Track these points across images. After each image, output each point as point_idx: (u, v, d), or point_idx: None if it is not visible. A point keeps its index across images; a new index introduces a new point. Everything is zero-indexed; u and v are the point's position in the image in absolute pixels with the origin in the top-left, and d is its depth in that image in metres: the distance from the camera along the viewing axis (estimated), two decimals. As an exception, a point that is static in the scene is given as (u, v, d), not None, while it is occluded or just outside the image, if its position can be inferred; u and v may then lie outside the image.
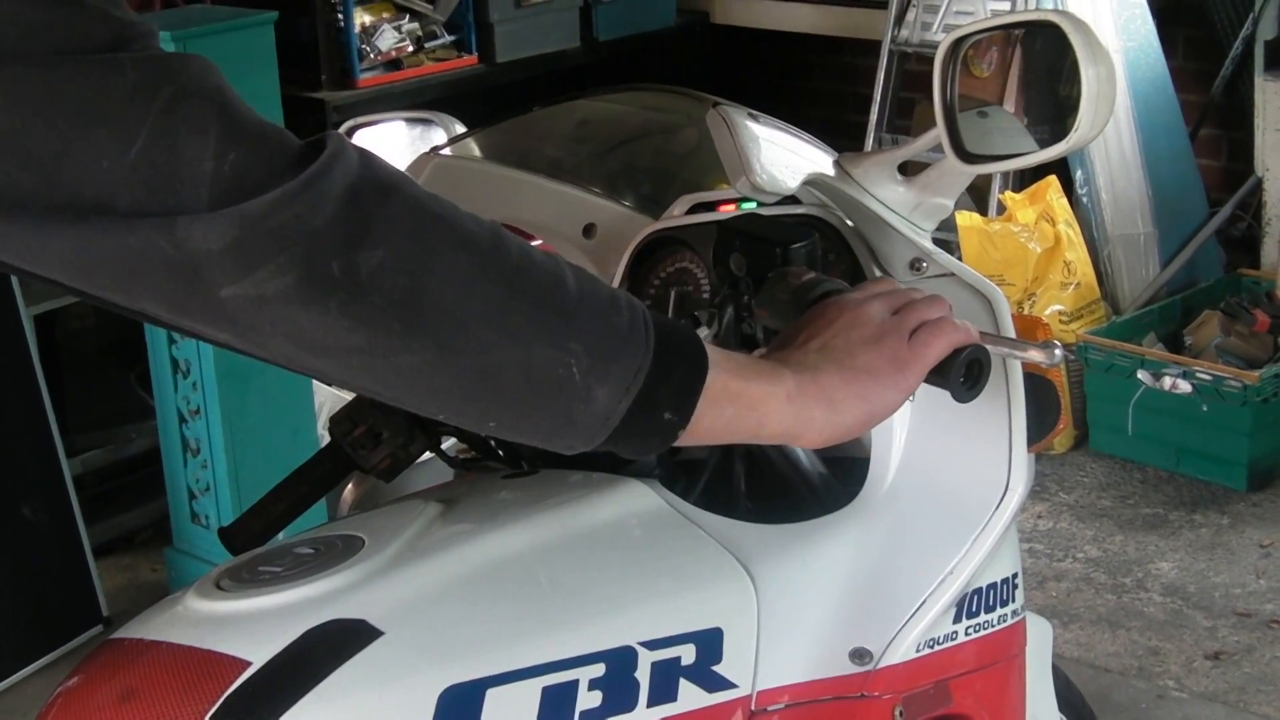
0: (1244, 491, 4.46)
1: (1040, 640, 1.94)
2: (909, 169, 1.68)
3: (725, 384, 1.28)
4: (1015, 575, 1.70)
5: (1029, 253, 4.72)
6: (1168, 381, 4.49)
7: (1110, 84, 1.48)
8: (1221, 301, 4.91)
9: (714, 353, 1.28)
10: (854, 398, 1.35)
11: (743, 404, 1.30)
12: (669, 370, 1.24)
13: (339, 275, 1.11)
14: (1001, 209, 4.89)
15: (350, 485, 1.97)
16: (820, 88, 6.34)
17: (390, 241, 1.13)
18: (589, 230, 1.91)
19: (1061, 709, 2.12)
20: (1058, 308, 4.77)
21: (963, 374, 1.42)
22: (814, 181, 1.62)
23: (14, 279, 3.80)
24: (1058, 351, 1.52)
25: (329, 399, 4.31)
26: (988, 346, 1.45)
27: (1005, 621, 1.67)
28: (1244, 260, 5.36)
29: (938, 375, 1.43)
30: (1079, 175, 5.05)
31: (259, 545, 1.77)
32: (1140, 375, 4.53)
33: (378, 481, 1.83)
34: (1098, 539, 4.26)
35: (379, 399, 1.21)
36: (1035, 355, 1.56)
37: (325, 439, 4.22)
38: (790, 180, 1.57)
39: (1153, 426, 4.56)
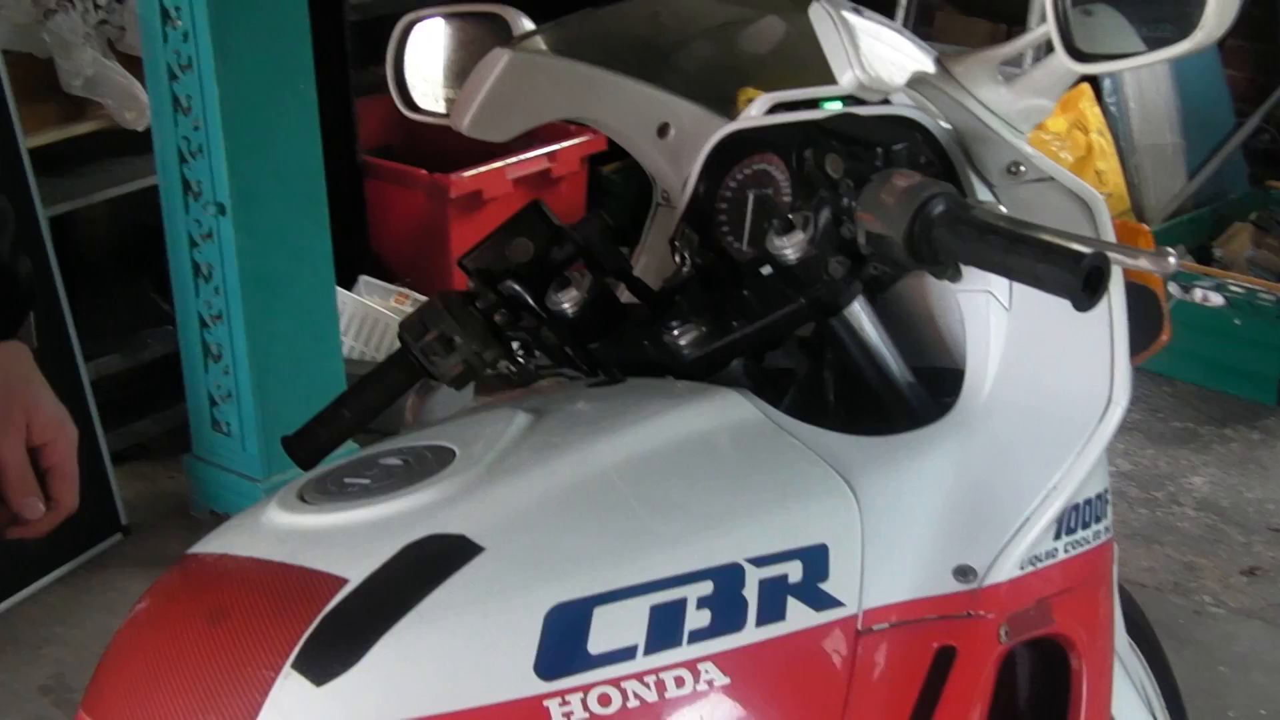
0: (1274, 406, 4.41)
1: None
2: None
3: None
4: (1106, 491, 1.64)
5: (1060, 161, 4.63)
6: (1199, 294, 4.43)
7: (1239, -27, 1.40)
8: (1251, 214, 4.84)
9: None
10: None
11: None
12: None
13: None
14: (1031, 117, 4.81)
15: (412, 397, 1.90)
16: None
17: None
18: (663, 130, 1.83)
19: (1128, 631, 2.06)
20: (1087, 218, 4.70)
21: (1083, 281, 1.35)
22: (918, 80, 1.54)
23: (31, 179, 3.71)
24: (1172, 259, 1.45)
25: (350, 304, 4.25)
26: None
27: (1100, 538, 1.61)
28: (1268, 173, 5.29)
29: (1058, 284, 1.36)
30: (1107, 84, 4.98)
31: (324, 455, 1.71)
32: (1171, 288, 4.46)
33: (436, 396, 1.77)
34: (1129, 452, 4.21)
35: None
36: (1146, 263, 1.48)
37: (349, 348, 4.17)
38: (897, 78, 1.50)
39: (1183, 340, 4.45)
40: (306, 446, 1.71)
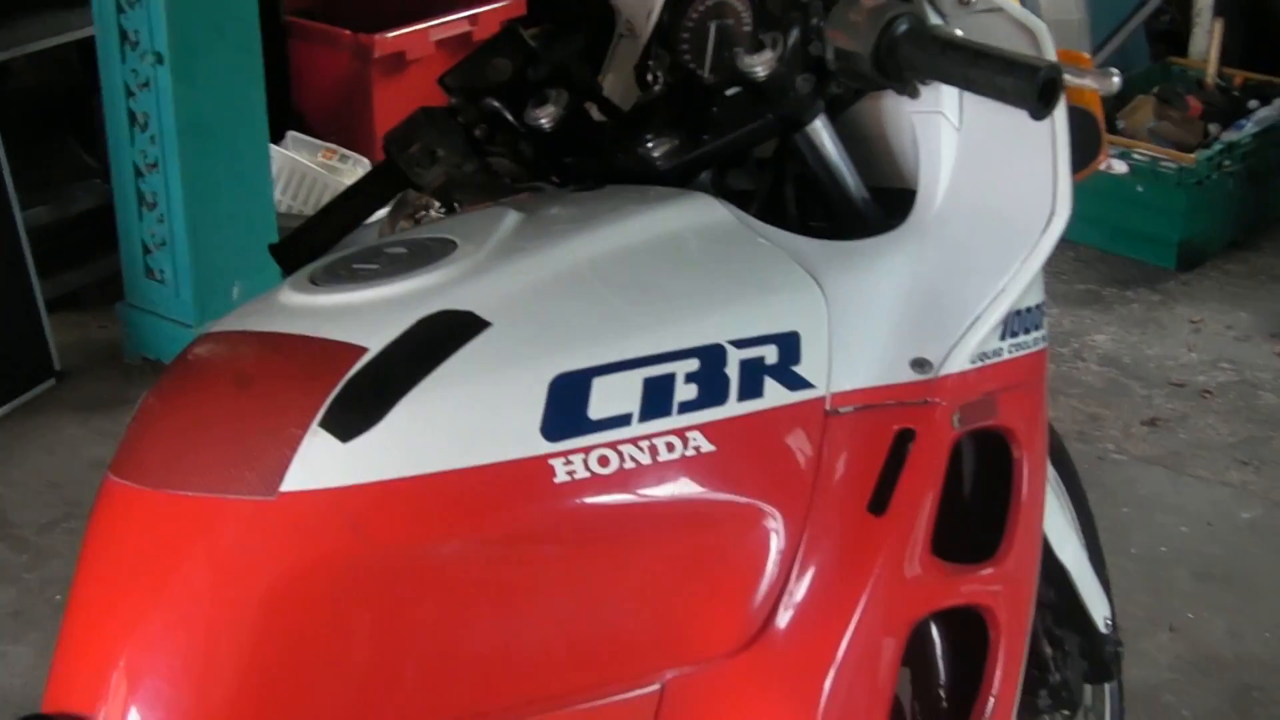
0: (1174, 270, 4.58)
1: None
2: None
3: None
4: (1043, 303, 1.77)
5: (973, 31, 4.75)
6: (1104, 162, 4.57)
7: None
8: (1154, 87, 4.98)
9: None
10: None
11: None
12: None
13: None
14: (944, -11, 4.91)
15: (385, 216, 1.98)
16: None
17: None
18: (631, -38, 1.92)
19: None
20: (997, 88, 4.82)
21: (1039, 91, 1.47)
22: (878, -90, 1.64)
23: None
24: (1116, 79, 1.58)
25: (279, 159, 4.30)
26: None
27: (1037, 345, 1.74)
28: (1166, 53, 5.44)
29: (1017, 94, 1.47)
30: (1018, -41, 5.08)
31: (311, 261, 1.79)
32: (1076, 155, 4.58)
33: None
34: (1035, 312, 4.36)
35: None
36: (1091, 81, 1.62)
37: (278, 202, 4.22)
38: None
39: (1087, 205, 4.59)
40: (294, 252, 1.80)
